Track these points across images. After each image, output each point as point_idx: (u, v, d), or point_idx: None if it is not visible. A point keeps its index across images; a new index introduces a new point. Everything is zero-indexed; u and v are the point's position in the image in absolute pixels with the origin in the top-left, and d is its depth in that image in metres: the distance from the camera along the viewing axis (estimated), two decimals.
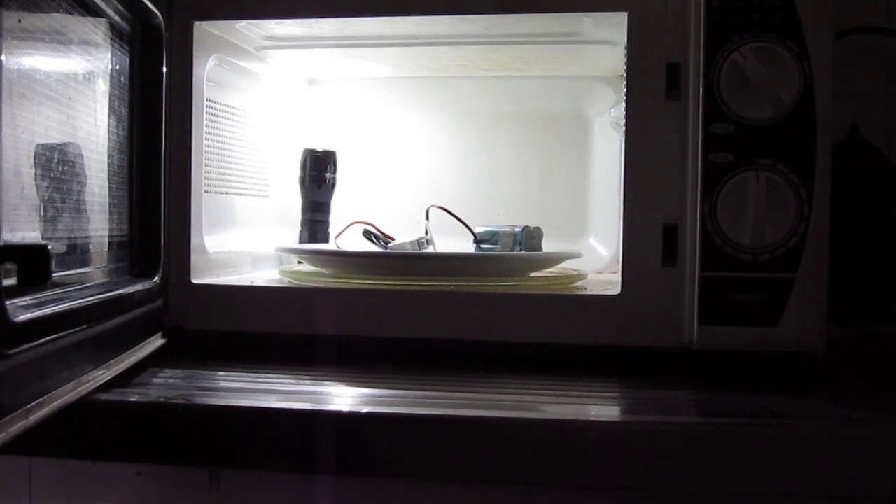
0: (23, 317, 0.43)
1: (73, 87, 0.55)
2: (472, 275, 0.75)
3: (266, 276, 0.83)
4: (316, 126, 1.04)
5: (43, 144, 0.50)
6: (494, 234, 0.88)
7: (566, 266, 0.85)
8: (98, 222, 0.60)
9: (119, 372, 0.58)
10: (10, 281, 0.42)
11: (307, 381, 0.63)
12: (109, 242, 0.62)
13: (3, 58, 0.41)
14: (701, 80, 0.62)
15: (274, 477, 0.60)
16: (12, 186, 0.45)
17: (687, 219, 0.64)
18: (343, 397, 0.59)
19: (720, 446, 0.51)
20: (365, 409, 0.54)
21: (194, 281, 0.71)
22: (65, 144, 0.53)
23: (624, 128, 0.66)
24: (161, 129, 0.67)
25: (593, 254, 0.96)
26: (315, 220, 0.96)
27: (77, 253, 0.56)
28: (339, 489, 0.59)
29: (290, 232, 0.97)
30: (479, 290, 0.71)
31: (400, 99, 1.04)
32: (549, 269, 0.83)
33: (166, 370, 0.65)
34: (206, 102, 0.74)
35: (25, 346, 0.43)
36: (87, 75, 0.57)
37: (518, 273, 0.80)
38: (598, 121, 1.00)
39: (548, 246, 0.89)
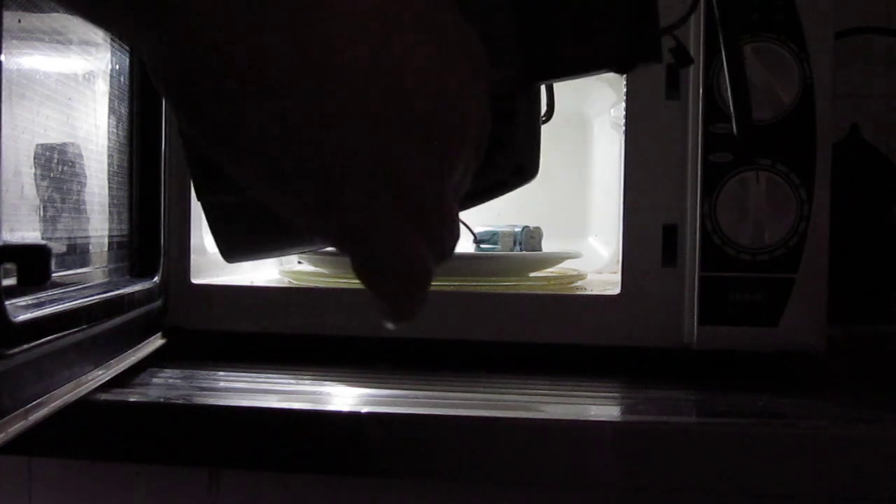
0: (23, 317, 0.43)
1: (73, 87, 0.55)
2: (472, 275, 0.75)
3: (266, 275, 0.83)
4: None
5: (43, 144, 0.50)
6: (494, 234, 0.88)
7: (566, 266, 0.85)
8: (98, 222, 0.60)
9: (119, 372, 0.58)
10: (9, 281, 0.42)
11: (307, 381, 0.63)
12: (109, 242, 0.62)
13: (3, 58, 0.41)
14: (701, 80, 0.62)
15: (274, 477, 0.60)
16: (12, 186, 0.45)
17: (687, 219, 0.64)
18: (343, 397, 0.59)
19: (720, 446, 0.51)
20: (365, 409, 0.53)
21: (194, 281, 0.71)
22: (65, 144, 0.53)
23: (624, 128, 0.66)
24: (161, 129, 0.67)
25: (593, 254, 0.96)
26: None
27: (77, 253, 0.56)
28: (339, 489, 0.59)
29: None
30: (479, 290, 0.71)
31: None
32: (549, 269, 0.83)
33: (166, 370, 0.65)
34: None
35: (25, 346, 0.43)
36: (87, 75, 0.57)
37: (518, 273, 0.80)
38: (597, 121, 1.00)
39: (548, 246, 0.89)
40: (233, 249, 0.44)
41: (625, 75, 0.66)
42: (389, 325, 0.34)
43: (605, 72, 0.44)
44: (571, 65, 0.44)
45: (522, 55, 0.43)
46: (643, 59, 0.44)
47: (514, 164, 0.45)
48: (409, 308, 0.33)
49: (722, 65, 0.61)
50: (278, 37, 0.27)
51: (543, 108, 0.51)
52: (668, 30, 0.44)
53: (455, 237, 0.34)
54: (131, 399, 0.56)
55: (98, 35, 0.59)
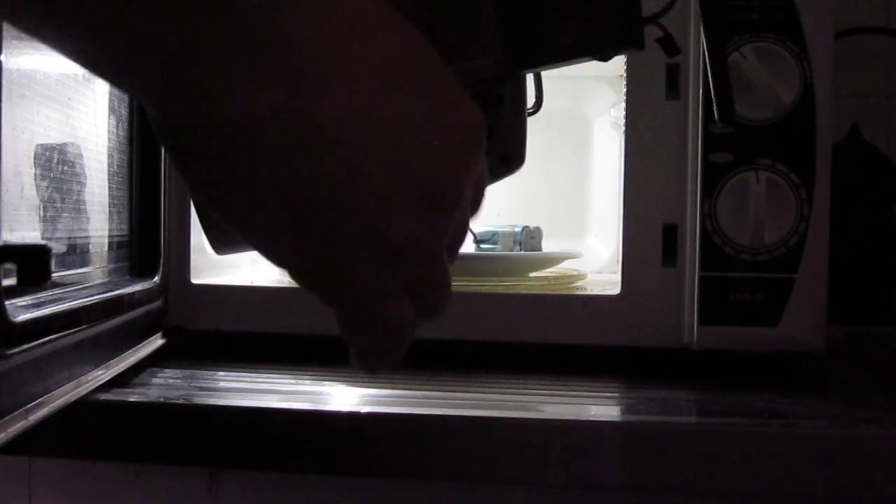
0: (23, 317, 0.43)
1: (73, 87, 0.55)
2: (472, 275, 0.75)
3: (266, 275, 0.83)
4: None
5: (43, 144, 0.50)
6: (494, 234, 0.88)
7: (566, 266, 0.85)
8: (98, 222, 0.60)
9: (119, 372, 0.58)
10: (10, 281, 0.42)
11: (307, 381, 0.63)
12: (109, 242, 0.62)
13: (3, 58, 0.41)
14: (701, 80, 0.62)
15: (274, 477, 0.60)
16: (12, 186, 0.45)
17: (687, 219, 0.64)
18: (343, 397, 0.59)
19: (720, 446, 0.51)
20: (365, 409, 0.54)
21: (194, 281, 0.71)
22: (65, 144, 0.53)
23: (624, 128, 0.66)
24: None
25: (593, 254, 0.96)
26: None
27: (77, 253, 0.56)
28: (339, 489, 0.59)
29: None
30: (479, 290, 0.71)
31: None
32: (549, 269, 0.83)
33: (166, 370, 0.65)
34: None
35: (25, 346, 0.43)
36: (87, 75, 0.57)
37: (518, 273, 0.80)
38: (597, 121, 1.00)
39: (548, 246, 0.89)
40: (222, 242, 0.44)
41: (624, 75, 0.66)
42: (362, 373, 0.35)
43: (587, 59, 0.44)
44: (553, 52, 0.44)
45: (505, 42, 0.43)
46: (624, 46, 0.44)
47: (501, 153, 0.45)
48: (383, 363, 0.35)
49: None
50: (281, 97, 0.27)
51: (532, 101, 0.50)
52: (651, 18, 0.44)
53: (448, 295, 0.34)
54: (131, 399, 0.56)
55: None
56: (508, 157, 0.46)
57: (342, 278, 0.30)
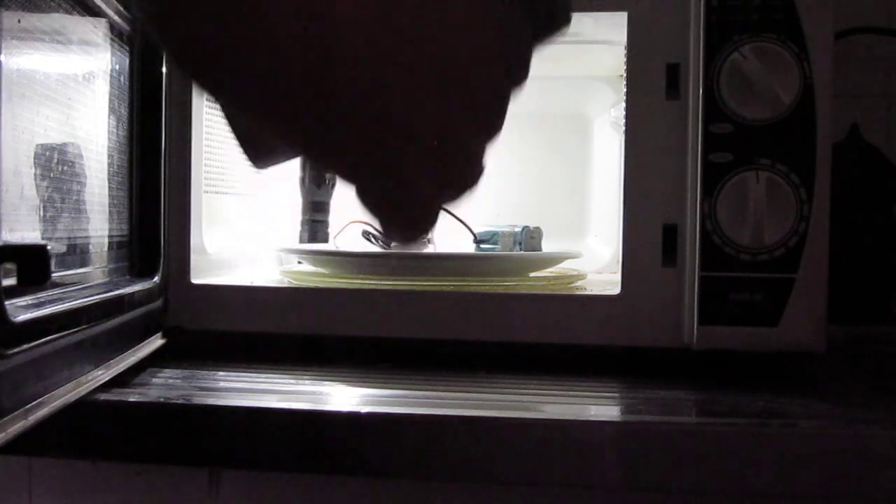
0: (22, 317, 0.43)
1: (73, 87, 0.55)
2: (472, 275, 0.75)
3: (266, 276, 0.83)
4: None
5: (43, 144, 0.50)
6: (494, 234, 0.88)
7: (566, 266, 0.85)
8: (98, 222, 0.60)
9: (119, 372, 0.58)
10: (9, 281, 0.42)
11: (307, 381, 0.63)
12: (109, 242, 0.62)
13: (3, 58, 0.41)
14: (701, 80, 0.62)
15: (274, 477, 0.60)
16: (12, 186, 0.45)
17: (687, 219, 0.64)
18: (343, 397, 0.59)
19: (720, 446, 0.51)
20: (365, 409, 0.54)
21: (194, 281, 0.71)
22: (65, 144, 0.53)
23: (624, 128, 0.66)
24: (161, 129, 0.67)
25: (593, 254, 0.96)
26: (315, 220, 0.96)
27: (77, 253, 0.56)
28: (339, 489, 0.60)
29: (289, 232, 0.97)
30: (479, 290, 0.71)
31: None
32: (549, 269, 0.83)
33: (166, 370, 0.65)
34: (205, 102, 0.74)
35: (25, 346, 0.43)
36: (86, 75, 0.57)
37: (518, 273, 0.80)
38: (597, 121, 1.00)
39: (548, 246, 0.89)
40: (258, 153, 0.42)
41: (624, 75, 0.66)
42: (395, 244, 0.36)
43: None
44: None
45: None
46: None
47: (546, 11, 0.43)
48: (410, 237, 0.36)
49: (722, 64, 0.61)
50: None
51: None
52: None
53: (477, 179, 0.35)
54: (131, 399, 0.56)
55: (98, 35, 0.59)
56: (554, 14, 0.44)
57: (370, 166, 0.30)
